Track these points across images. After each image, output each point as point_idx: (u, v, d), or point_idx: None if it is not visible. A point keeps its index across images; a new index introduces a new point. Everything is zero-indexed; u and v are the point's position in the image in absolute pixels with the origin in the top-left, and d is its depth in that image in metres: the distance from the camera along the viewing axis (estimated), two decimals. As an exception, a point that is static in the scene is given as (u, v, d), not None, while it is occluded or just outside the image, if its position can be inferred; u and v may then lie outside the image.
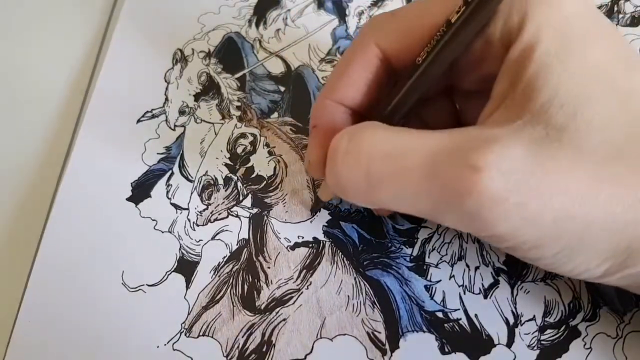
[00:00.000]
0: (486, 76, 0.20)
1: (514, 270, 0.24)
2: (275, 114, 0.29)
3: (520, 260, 0.24)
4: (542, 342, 0.22)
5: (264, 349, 0.23)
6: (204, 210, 0.27)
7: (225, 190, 0.27)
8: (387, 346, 0.23)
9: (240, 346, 0.23)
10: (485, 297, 0.24)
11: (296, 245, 0.25)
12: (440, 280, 0.24)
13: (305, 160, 0.24)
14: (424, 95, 0.20)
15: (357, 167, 0.18)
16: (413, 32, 0.19)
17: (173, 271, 0.25)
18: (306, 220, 0.26)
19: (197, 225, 0.26)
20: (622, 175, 0.16)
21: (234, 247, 0.26)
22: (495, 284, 0.24)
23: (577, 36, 0.17)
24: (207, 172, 0.28)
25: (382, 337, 0.23)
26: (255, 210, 0.26)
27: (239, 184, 0.27)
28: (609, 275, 0.18)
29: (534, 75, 0.17)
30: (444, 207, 0.17)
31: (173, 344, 0.24)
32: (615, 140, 0.16)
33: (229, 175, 0.28)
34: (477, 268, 0.24)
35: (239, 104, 0.30)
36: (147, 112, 0.30)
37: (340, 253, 0.25)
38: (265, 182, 0.27)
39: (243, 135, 0.29)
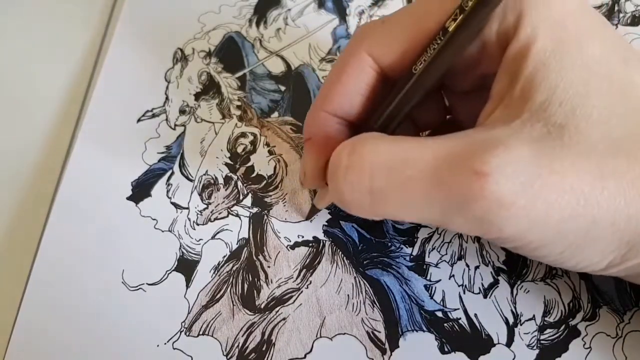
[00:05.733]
0: (481, 76, 0.20)
1: (514, 270, 0.24)
2: (276, 114, 0.29)
3: (520, 260, 0.24)
4: (542, 341, 0.22)
5: (263, 348, 0.23)
6: (204, 209, 0.27)
7: (226, 190, 0.27)
8: (386, 345, 0.23)
9: (240, 345, 0.23)
10: (485, 296, 0.24)
11: (296, 245, 0.25)
12: (440, 280, 0.24)
13: (300, 173, 0.23)
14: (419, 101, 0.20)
15: (360, 183, 0.18)
16: (406, 40, 0.19)
17: (173, 270, 0.25)
18: (306, 219, 0.26)
19: (197, 225, 0.26)
20: (624, 169, 0.16)
21: (234, 247, 0.26)
22: (495, 284, 0.24)
23: (573, 33, 0.17)
24: (207, 171, 0.28)
25: (382, 336, 0.23)
26: (255, 210, 0.26)
27: (239, 183, 0.27)
28: (611, 267, 0.18)
29: (531, 74, 0.17)
30: (452, 214, 0.17)
31: (173, 343, 0.24)
32: (615, 134, 0.16)
33: (229, 174, 0.28)
34: (477, 268, 0.24)
35: (239, 103, 0.30)
36: (148, 111, 0.30)
37: (340, 252, 0.25)
38: (265, 181, 0.27)
39: (243, 135, 0.29)
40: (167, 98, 0.30)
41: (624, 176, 0.16)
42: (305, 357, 0.23)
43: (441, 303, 0.24)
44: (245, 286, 0.25)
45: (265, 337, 0.23)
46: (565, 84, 0.16)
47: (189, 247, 0.26)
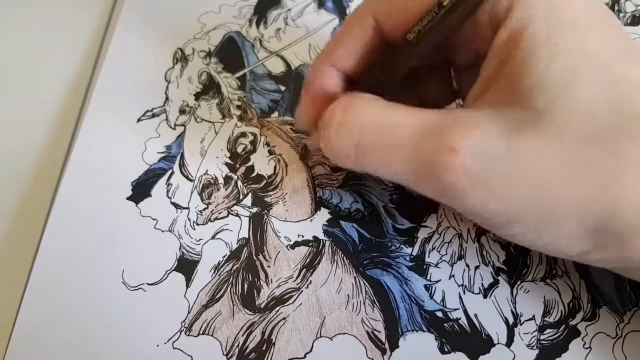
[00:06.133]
0: (478, 52, 0.20)
1: (514, 270, 0.24)
2: (276, 113, 0.29)
3: (520, 260, 0.24)
4: (542, 341, 0.22)
5: (263, 348, 0.23)
6: (204, 209, 0.27)
7: (226, 190, 0.27)
8: (386, 345, 0.23)
9: (240, 345, 0.23)
10: (485, 296, 0.24)
11: (296, 244, 0.25)
12: (440, 280, 0.24)
13: (296, 115, 0.25)
14: (414, 67, 0.21)
15: (349, 138, 0.20)
16: (409, 8, 0.20)
17: (173, 270, 0.25)
18: (306, 219, 0.26)
19: (197, 224, 0.26)
20: (597, 160, 0.16)
21: (234, 246, 0.26)
22: (495, 284, 0.24)
23: (570, 23, 0.17)
24: (207, 171, 0.28)
25: (382, 336, 0.23)
26: (255, 209, 0.26)
27: (239, 183, 0.27)
28: (585, 255, 0.18)
29: (520, 60, 0.17)
30: (423, 179, 0.19)
31: (173, 343, 0.24)
32: (596, 126, 0.16)
33: (229, 174, 0.28)
34: (476, 268, 0.24)
35: (239, 103, 0.30)
36: (148, 111, 0.30)
37: (340, 252, 0.25)
38: (265, 181, 0.27)
39: (243, 135, 0.29)
40: (167, 98, 0.30)
41: (595, 167, 0.16)
42: (305, 356, 0.23)
43: (441, 303, 0.24)
44: (245, 286, 0.25)
45: (265, 336, 0.23)
46: (553, 72, 0.17)
47: (189, 247, 0.26)
